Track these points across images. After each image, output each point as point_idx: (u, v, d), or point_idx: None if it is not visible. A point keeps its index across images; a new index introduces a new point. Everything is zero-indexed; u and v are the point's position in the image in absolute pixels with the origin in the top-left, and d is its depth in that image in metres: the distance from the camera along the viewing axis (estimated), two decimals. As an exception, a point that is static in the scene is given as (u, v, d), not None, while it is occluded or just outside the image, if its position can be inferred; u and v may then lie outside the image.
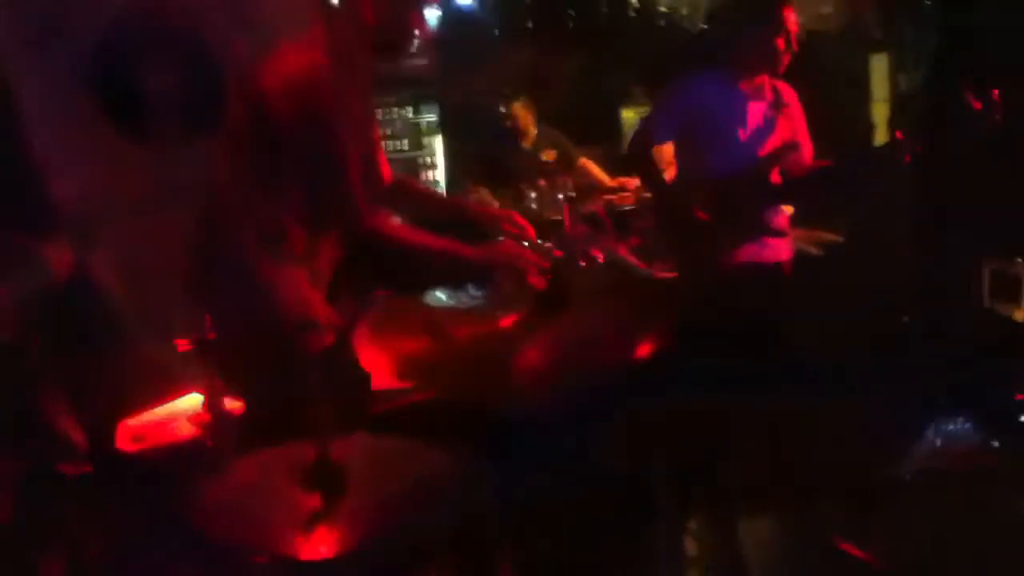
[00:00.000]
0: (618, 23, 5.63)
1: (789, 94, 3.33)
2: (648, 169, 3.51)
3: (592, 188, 5.43)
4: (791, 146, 3.22)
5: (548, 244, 2.62)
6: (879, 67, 5.71)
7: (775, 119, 3.24)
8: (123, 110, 3.38)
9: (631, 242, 3.36)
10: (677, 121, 3.32)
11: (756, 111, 3.22)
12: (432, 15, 5.63)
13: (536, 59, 6.07)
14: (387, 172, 2.53)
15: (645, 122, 3.60)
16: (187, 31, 3.42)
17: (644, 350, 1.23)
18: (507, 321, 1.48)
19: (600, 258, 2.47)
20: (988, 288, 3.85)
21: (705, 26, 6.01)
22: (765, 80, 3.25)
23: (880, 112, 5.71)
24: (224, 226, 2.17)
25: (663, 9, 5.70)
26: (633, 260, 2.69)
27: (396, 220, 2.33)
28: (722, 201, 3.17)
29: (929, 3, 4.91)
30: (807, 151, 3.34)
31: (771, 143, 3.22)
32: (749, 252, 3.20)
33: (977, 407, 2.12)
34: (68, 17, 3.24)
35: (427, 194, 2.81)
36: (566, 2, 5.46)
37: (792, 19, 3.11)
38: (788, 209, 4.40)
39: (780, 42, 3.10)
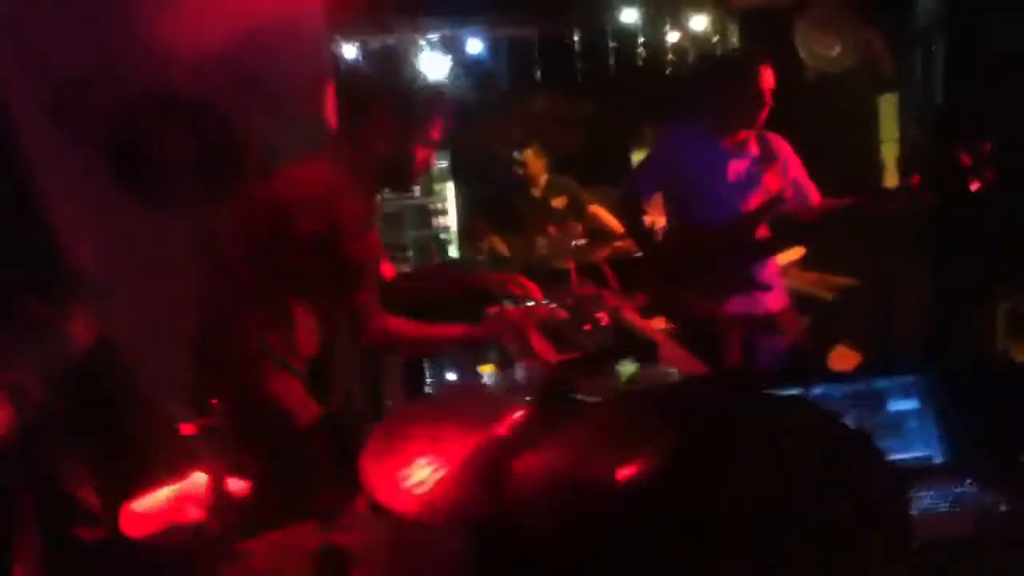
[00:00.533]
0: (627, 69, 5.68)
1: (779, 145, 3.36)
2: (632, 222, 3.58)
3: (603, 235, 5.47)
4: (777, 201, 3.24)
5: (553, 305, 2.65)
6: (888, 108, 5.73)
7: (760, 174, 3.28)
8: (139, 177, 3.45)
9: (637, 301, 3.37)
10: (660, 174, 3.40)
11: (738, 167, 3.27)
12: (445, 64, 5.76)
13: (546, 106, 6.16)
14: (388, 271, 2.65)
15: (632, 175, 3.71)
16: (206, 103, 3.49)
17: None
18: (506, 424, 1.49)
19: (604, 321, 2.49)
20: (1003, 328, 3.85)
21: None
22: (750, 135, 3.28)
23: (889, 152, 5.73)
24: (231, 319, 2.21)
25: (671, 57, 5.75)
26: (638, 322, 2.71)
27: (400, 321, 2.37)
28: (705, 255, 3.21)
29: (934, 48, 4.94)
30: (812, 195, 3.37)
31: (755, 198, 3.25)
32: (736, 305, 3.24)
33: (985, 466, 2.11)
34: (88, 83, 3.31)
35: (429, 276, 2.92)
36: (574, 50, 5.52)
37: (768, 78, 3.15)
38: (792, 256, 4.45)
39: (756, 101, 3.15)
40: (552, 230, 5.33)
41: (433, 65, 5.71)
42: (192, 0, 3.42)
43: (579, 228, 5.38)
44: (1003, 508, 1.95)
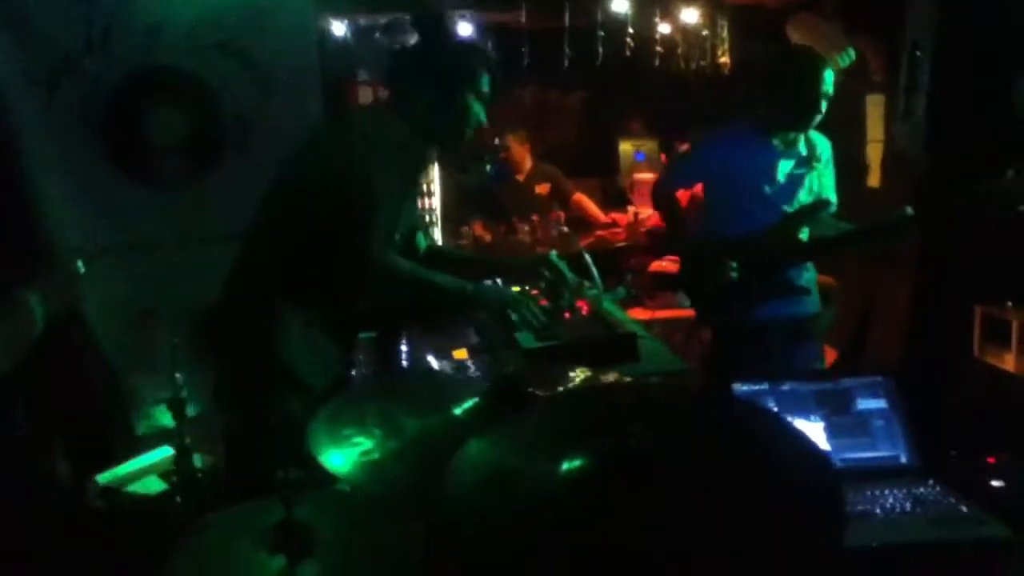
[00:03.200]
0: (615, 60, 5.67)
1: (824, 147, 3.30)
2: (671, 217, 3.55)
3: (586, 224, 5.47)
4: (824, 203, 3.20)
5: (535, 292, 2.65)
6: (875, 109, 5.74)
7: (805, 175, 3.23)
8: (128, 153, 3.42)
9: (617, 292, 3.38)
10: (702, 172, 3.36)
11: (786, 167, 3.21)
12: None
13: (534, 94, 6.15)
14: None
15: (668, 169, 3.62)
16: (196, 80, 3.47)
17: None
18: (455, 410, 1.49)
19: (585, 310, 2.49)
20: (979, 334, 3.87)
21: (729, 73, 6.06)
22: (799, 134, 3.22)
23: (875, 153, 5.74)
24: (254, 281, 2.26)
25: (659, 49, 5.74)
26: (616, 314, 2.70)
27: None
28: (746, 256, 3.14)
29: (919, 55, 4.96)
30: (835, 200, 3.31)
31: (799, 199, 3.21)
32: (774, 308, 3.19)
33: (949, 469, 2.13)
34: (80, 58, 3.30)
35: (458, 258, 2.93)
36: (563, 39, 5.50)
37: (828, 80, 3.09)
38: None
39: (816, 103, 3.09)
40: (535, 217, 5.31)
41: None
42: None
43: (563, 216, 5.37)
44: (964, 510, 1.97)
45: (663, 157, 6.33)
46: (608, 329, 2.44)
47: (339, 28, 5.71)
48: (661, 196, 3.57)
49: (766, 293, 3.18)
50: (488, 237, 5.21)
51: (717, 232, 3.30)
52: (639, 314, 4.03)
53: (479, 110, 2.47)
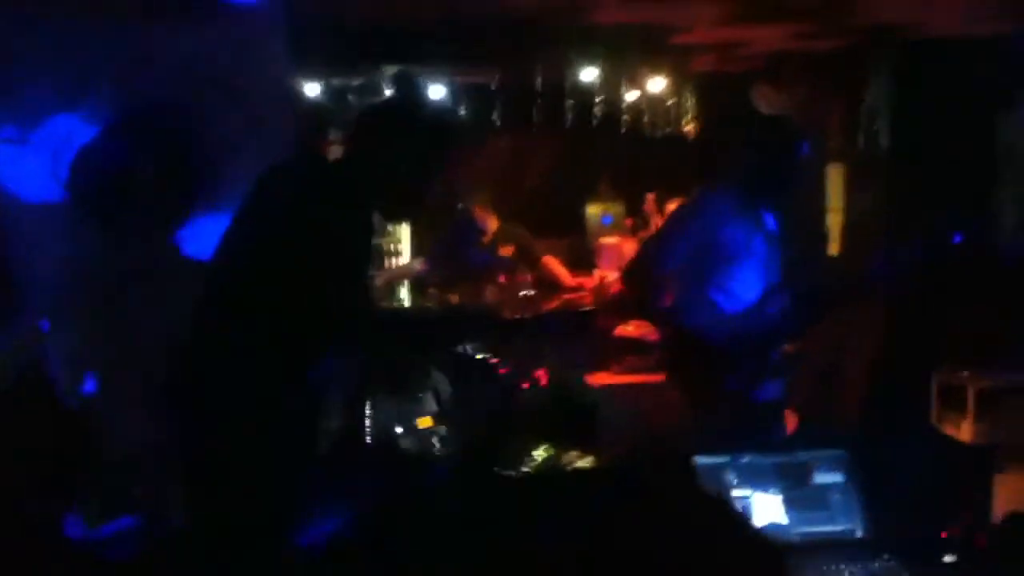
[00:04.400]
0: (584, 125, 5.78)
1: (777, 222, 3.21)
2: (647, 302, 3.30)
3: (553, 287, 5.49)
4: (784, 281, 3.11)
5: (494, 360, 2.66)
6: (836, 179, 5.88)
7: (771, 250, 3.13)
8: (97, 202, 3.43)
9: (577, 359, 3.38)
10: (689, 248, 3.08)
11: (762, 241, 3.11)
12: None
13: (500, 155, 6.23)
14: None
15: (649, 246, 3.34)
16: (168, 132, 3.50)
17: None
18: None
19: (543, 380, 2.50)
20: (936, 402, 3.92)
21: (693, 137, 6.17)
22: (766, 205, 3.14)
23: (835, 221, 5.86)
24: None
25: (626, 117, 5.87)
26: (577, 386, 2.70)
27: None
28: (735, 340, 3.02)
29: (876, 128, 5.12)
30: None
31: (769, 276, 3.11)
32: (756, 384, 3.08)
33: (903, 544, 2.16)
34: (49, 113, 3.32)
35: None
36: (533, 103, 5.61)
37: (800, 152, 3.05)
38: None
39: (795, 174, 3.08)
40: (502, 279, 5.34)
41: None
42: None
43: (529, 278, 5.38)
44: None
45: (628, 221, 6.40)
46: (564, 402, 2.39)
47: (313, 89, 5.77)
48: (637, 278, 3.31)
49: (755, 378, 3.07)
50: (455, 298, 5.22)
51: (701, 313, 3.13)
52: (603, 378, 4.04)
53: (438, 169, 2.49)
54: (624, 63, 5.60)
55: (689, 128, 6.17)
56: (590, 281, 5.48)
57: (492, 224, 5.71)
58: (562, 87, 5.55)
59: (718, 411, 3.05)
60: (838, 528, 2.22)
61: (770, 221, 3.18)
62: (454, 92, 5.68)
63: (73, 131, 3.39)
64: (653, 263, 3.18)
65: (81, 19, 3.38)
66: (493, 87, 5.42)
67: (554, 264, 5.73)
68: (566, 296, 5.30)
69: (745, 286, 3.08)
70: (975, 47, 4.64)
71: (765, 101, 5.96)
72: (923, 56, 4.90)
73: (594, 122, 5.55)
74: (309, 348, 2.31)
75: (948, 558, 2.11)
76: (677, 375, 3.23)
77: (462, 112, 5.77)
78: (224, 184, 3.63)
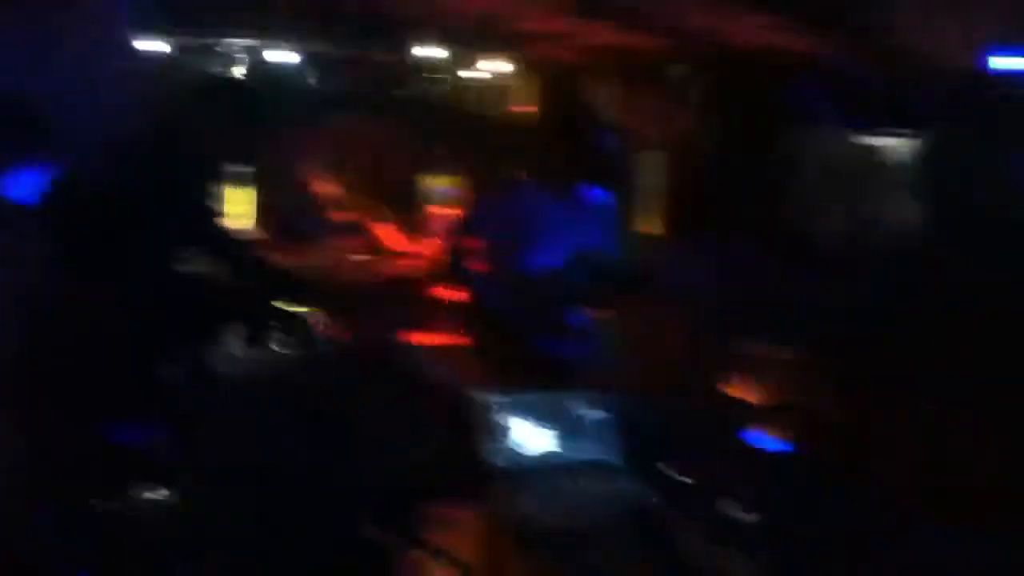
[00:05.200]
0: (424, 100, 6.05)
1: (598, 198, 3.64)
2: (461, 267, 3.79)
3: (385, 252, 5.73)
4: (597, 248, 3.52)
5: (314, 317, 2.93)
6: (650, 165, 6.37)
7: (582, 222, 3.54)
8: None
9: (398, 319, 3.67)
10: (489, 221, 3.61)
11: (562, 215, 3.51)
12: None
13: (340, 129, 6.41)
14: None
15: (461, 221, 3.89)
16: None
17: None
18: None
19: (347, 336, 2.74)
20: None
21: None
22: (575, 185, 3.55)
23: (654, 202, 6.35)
24: None
25: (460, 97, 6.17)
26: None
27: None
28: (529, 300, 3.44)
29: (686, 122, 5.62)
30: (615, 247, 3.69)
31: (575, 245, 3.50)
32: (554, 347, 3.44)
33: (646, 468, 2.57)
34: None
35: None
36: (375, 75, 5.84)
37: (600, 137, 3.56)
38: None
39: (587, 157, 3.49)
40: (338, 245, 5.54)
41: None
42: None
43: (362, 245, 5.60)
44: (654, 501, 2.41)
45: (461, 194, 6.71)
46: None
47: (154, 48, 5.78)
48: (453, 246, 3.84)
49: (545, 333, 3.46)
50: (290, 263, 5.35)
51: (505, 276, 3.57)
52: (421, 338, 4.33)
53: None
54: (464, 45, 5.89)
55: (523, 111, 6.53)
56: (423, 248, 5.76)
57: (329, 193, 5.89)
58: (403, 66, 5.79)
59: (517, 370, 3.39)
60: (600, 456, 2.60)
61: (579, 200, 3.58)
62: (298, 65, 5.83)
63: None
64: (466, 232, 3.65)
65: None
66: (336, 62, 5.60)
67: (387, 231, 5.96)
68: (400, 262, 5.57)
69: (548, 257, 3.48)
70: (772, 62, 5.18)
71: (594, 90, 6.40)
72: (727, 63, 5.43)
73: (433, 100, 5.82)
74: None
75: (687, 479, 2.53)
76: (481, 334, 3.60)
77: (306, 85, 5.93)
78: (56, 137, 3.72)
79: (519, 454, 2.54)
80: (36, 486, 2.29)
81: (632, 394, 2.81)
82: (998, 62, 3.83)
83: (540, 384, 3.26)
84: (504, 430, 2.52)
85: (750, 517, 2.37)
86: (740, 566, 2.27)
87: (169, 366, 2.66)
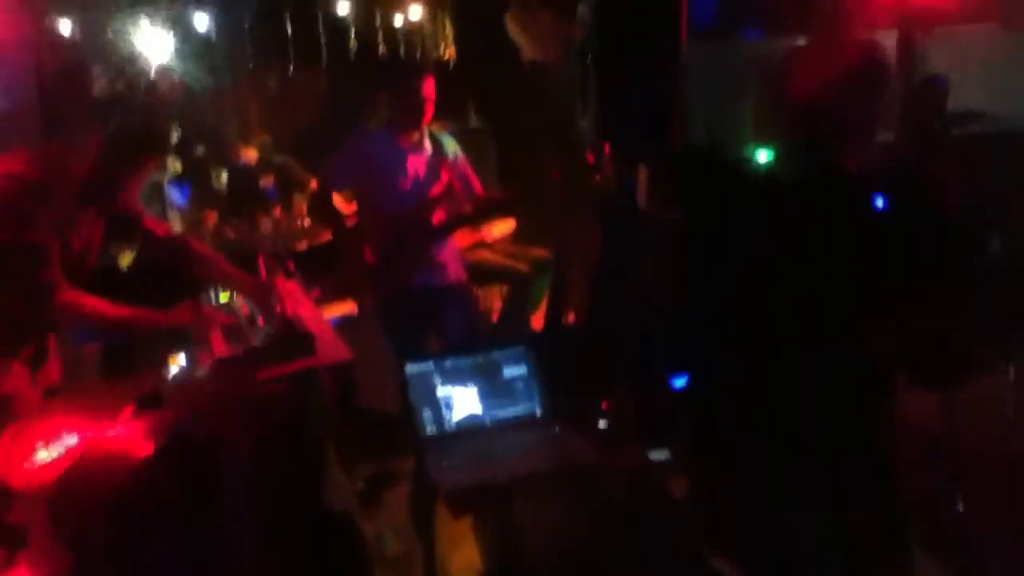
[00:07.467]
0: (342, 52, 6.04)
1: (449, 144, 3.85)
2: (326, 213, 4.05)
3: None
4: (450, 191, 3.73)
5: (240, 300, 3.00)
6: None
7: (434, 168, 3.74)
8: None
9: (312, 294, 3.76)
10: (350, 171, 3.79)
11: (416, 163, 3.72)
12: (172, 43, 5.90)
13: (260, 92, 6.39)
14: (154, 227, 3.05)
15: (325, 172, 3.99)
16: None
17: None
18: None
19: (280, 312, 2.82)
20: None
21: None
22: (423, 135, 3.74)
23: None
24: None
25: (381, 48, 6.15)
26: (310, 313, 3.04)
27: (87, 298, 2.67)
28: (390, 239, 3.68)
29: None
30: (476, 186, 3.90)
31: (432, 190, 3.72)
32: (420, 279, 3.73)
33: (572, 415, 2.72)
34: None
35: (197, 251, 3.13)
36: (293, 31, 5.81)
37: (425, 87, 3.62)
38: (502, 230, 5.00)
39: (416, 107, 3.62)
40: (277, 212, 5.59)
41: (154, 45, 5.84)
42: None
43: (304, 208, 5.63)
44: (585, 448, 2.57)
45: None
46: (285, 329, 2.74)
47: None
48: (318, 195, 4.12)
49: (406, 269, 3.72)
50: (231, 233, 5.42)
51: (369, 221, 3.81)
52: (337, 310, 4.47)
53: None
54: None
55: (448, 54, 6.52)
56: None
57: (251, 157, 5.90)
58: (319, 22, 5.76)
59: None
60: (521, 411, 2.75)
61: (428, 146, 3.78)
62: (210, 31, 5.78)
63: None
64: (329, 182, 3.94)
65: None
66: (247, 25, 5.56)
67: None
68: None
69: (401, 200, 3.70)
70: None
71: (516, 25, 6.40)
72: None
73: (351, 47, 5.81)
74: None
75: (602, 424, 2.68)
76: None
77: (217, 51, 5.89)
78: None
79: (444, 417, 2.67)
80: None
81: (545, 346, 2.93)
82: None
83: (460, 347, 3.44)
84: (428, 396, 2.65)
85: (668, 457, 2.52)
86: (662, 509, 2.43)
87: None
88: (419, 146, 3.76)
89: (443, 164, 3.76)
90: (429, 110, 3.67)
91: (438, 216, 3.79)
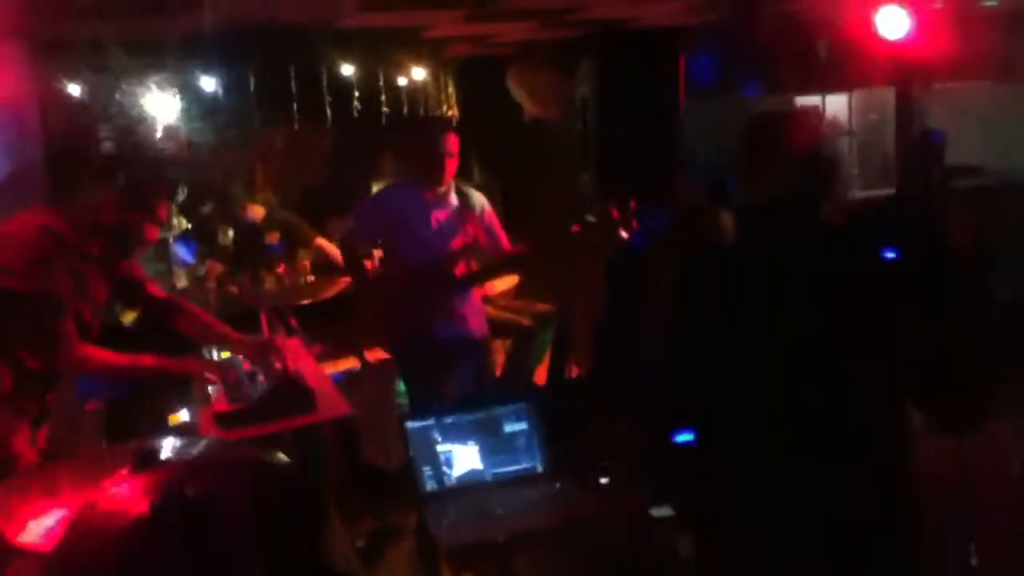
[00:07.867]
0: (347, 113, 6.14)
1: (476, 197, 3.91)
2: (354, 268, 4.13)
3: (332, 269, 5.79)
4: (473, 245, 3.77)
5: (240, 356, 3.01)
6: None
7: (459, 222, 3.78)
8: None
9: (314, 350, 3.77)
10: (375, 224, 3.87)
11: (440, 216, 3.77)
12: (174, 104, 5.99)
13: (266, 151, 6.48)
14: (155, 292, 3.05)
15: (348, 228, 4.08)
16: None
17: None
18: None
19: (278, 366, 2.83)
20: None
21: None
22: (449, 188, 3.79)
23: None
24: None
25: (385, 109, 6.25)
26: (311, 367, 3.05)
27: (97, 350, 2.68)
28: (411, 290, 3.71)
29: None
30: (503, 240, 3.93)
31: (455, 242, 3.76)
32: (440, 330, 3.74)
33: (571, 473, 2.70)
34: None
35: (196, 315, 3.15)
36: (299, 91, 5.90)
37: (448, 142, 3.68)
38: (504, 285, 5.03)
39: (439, 162, 3.66)
40: (281, 268, 5.61)
41: (161, 106, 5.93)
42: None
43: (307, 265, 5.66)
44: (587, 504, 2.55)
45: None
46: (285, 385, 2.75)
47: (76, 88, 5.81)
48: (345, 251, 4.14)
49: (429, 319, 3.73)
50: (235, 289, 5.43)
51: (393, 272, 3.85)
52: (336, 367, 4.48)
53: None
54: (381, 58, 5.98)
55: (452, 113, 6.62)
56: (369, 262, 5.83)
57: (258, 214, 5.95)
58: (323, 83, 5.87)
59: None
60: (523, 466, 2.74)
61: (454, 200, 3.83)
62: (215, 93, 5.88)
63: None
64: (353, 232, 4.02)
65: None
66: (252, 88, 5.66)
67: (327, 246, 6.00)
68: (346, 279, 5.64)
69: (424, 253, 3.74)
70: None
71: (516, 83, 6.51)
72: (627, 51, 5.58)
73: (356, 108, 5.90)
74: None
75: (604, 480, 2.66)
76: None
77: (224, 110, 5.99)
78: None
79: (446, 474, 2.66)
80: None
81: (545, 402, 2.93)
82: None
83: (462, 403, 3.44)
84: (429, 452, 2.64)
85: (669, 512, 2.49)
86: (664, 567, 2.40)
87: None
88: (444, 200, 3.80)
89: (469, 218, 3.80)
90: (452, 165, 3.72)
91: (461, 269, 3.82)
